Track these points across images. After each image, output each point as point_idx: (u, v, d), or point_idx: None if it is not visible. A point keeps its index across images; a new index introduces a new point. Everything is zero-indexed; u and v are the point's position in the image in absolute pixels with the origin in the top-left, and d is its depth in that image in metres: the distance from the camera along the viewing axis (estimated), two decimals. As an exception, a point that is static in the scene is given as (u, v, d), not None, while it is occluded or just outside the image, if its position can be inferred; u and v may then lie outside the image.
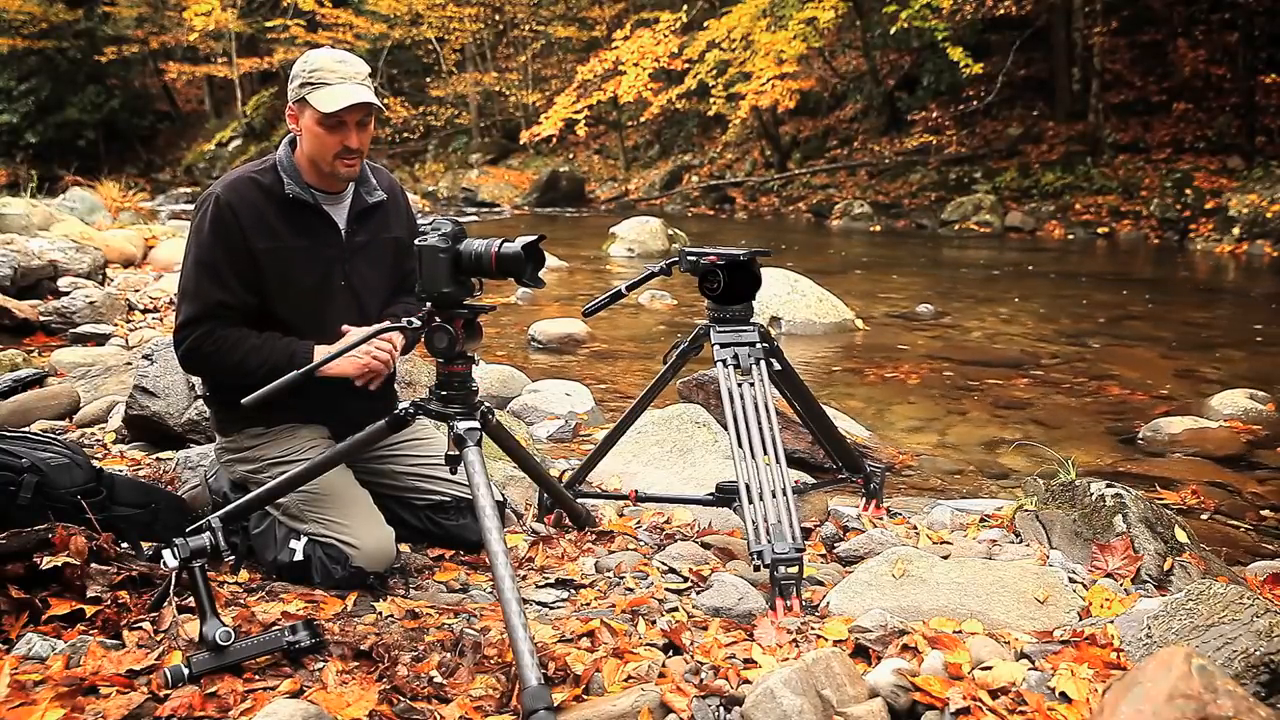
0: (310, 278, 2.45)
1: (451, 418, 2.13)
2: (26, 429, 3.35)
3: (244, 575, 2.42)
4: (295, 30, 26.42)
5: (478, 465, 2.03)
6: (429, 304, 2.13)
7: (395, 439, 2.44)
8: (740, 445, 2.52)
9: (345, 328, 2.38)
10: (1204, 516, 3.47)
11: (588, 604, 2.35)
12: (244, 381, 2.28)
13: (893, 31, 16.62)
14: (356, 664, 1.92)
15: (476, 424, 2.13)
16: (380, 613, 2.22)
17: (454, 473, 2.16)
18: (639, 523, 3.02)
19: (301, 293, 2.44)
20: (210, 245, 2.36)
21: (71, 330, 5.52)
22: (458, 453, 2.09)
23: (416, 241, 2.12)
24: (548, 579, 2.50)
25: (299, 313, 2.44)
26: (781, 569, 2.31)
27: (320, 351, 2.33)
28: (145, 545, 2.38)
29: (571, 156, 25.40)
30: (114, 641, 1.92)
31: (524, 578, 2.52)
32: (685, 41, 18.95)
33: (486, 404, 2.26)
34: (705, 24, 18.80)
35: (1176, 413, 4.69)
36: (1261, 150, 14.18)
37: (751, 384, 2.60)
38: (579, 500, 2.91)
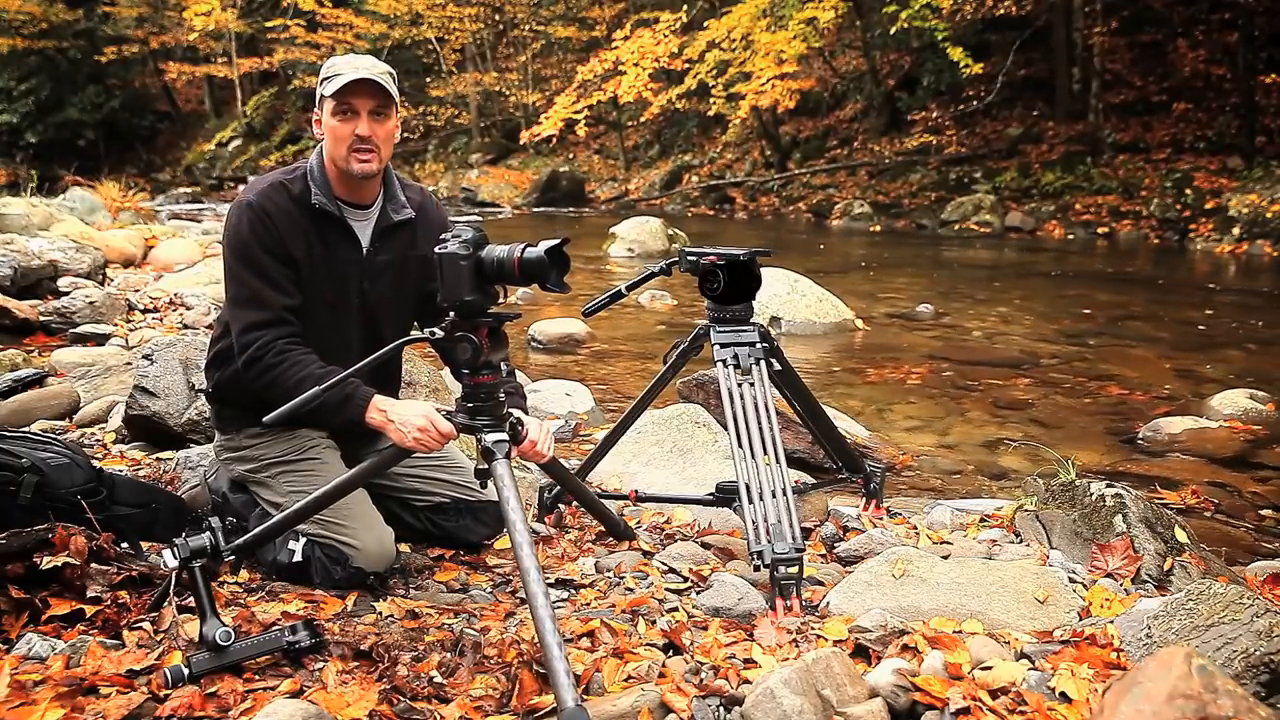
0: (327, 292, 2.41)
1: (479, 430, 2.07)
2: (26, 429, 3.34)
3: (244, 575, 2.42)
4: (295, 30, 26.46)
5: (507, 479, 1.96)
6: (451, 314, 2.06)
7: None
8: (740, 445, 2.52)
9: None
10: (1204, 516, 3.47)
11: (588, 604, 2.35)
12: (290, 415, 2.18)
13: (893, 31, 16.64)
14: (356, 664, 1.92)
15: (505, 436, 2.06)
16: (380, 613, 2.22)
17: (484, 487, 2.10)
18: (639, 523, 3.02)
19: (317, 306, 2.41)
20: (254, 251, 2.32)
21: (71, 330, 5.52)
22: (486, 466, 2.03)
23: (436, 249, 2.03)
24: (548, 579, 2.50)
25: (311, 327, 2.39)
26: (781, 569, 2.31)
27: (378, 403, 2.23)
28: (145, 545, 2.38)
29: (571, 156, 25.41)
30: (114, 641, 1.92)
31: (524, 578, 2.52)
32: (685, 41, 18.97)
33: (515, 416, 2.19)
34: (705, 24, 18.82)
35: (1176, 413, 4.69)
36: (1261, 150, 14.19)
37: (751, 384, 2.60)
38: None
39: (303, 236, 2.36)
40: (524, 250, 1.98)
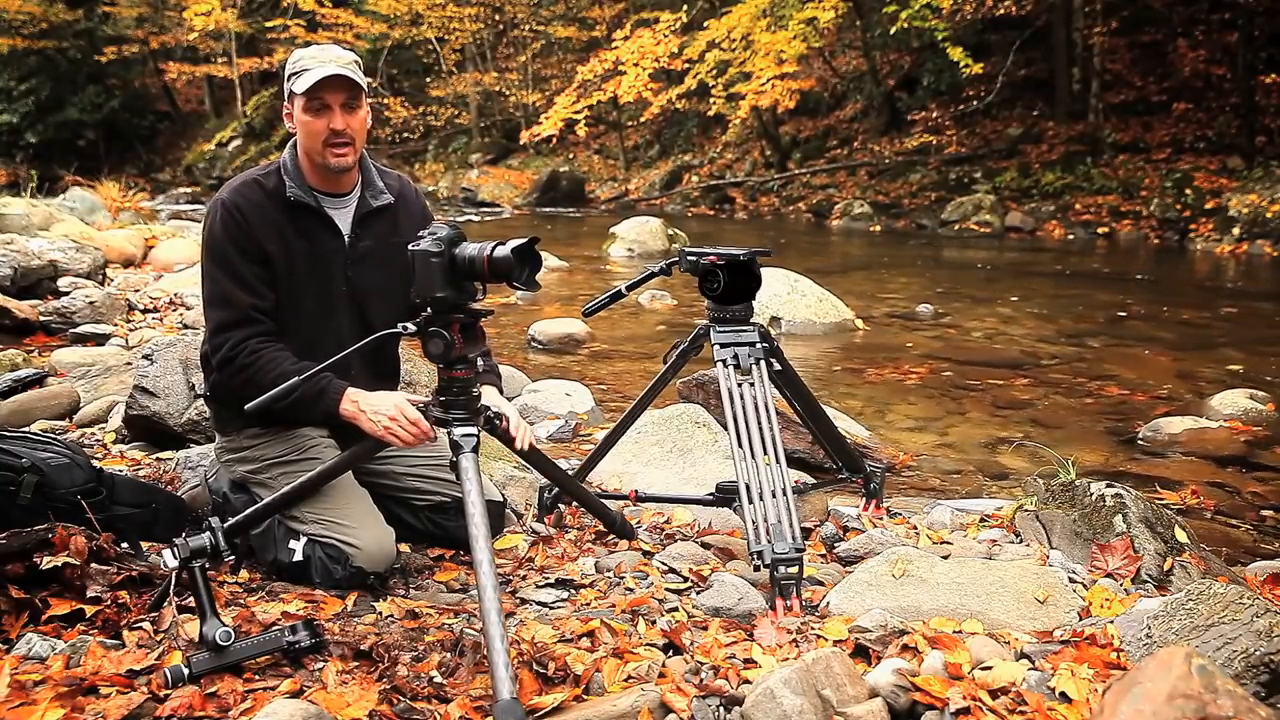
0: (312, 283, 2.42)
1: (450, 424, 2.12)
2: (26, 429, 3.34)
3: (244, 575, 2.42)
4: (295, 30, 26.45)
5: (471, 473, 2.03)
6: (426, 309, 2.10)
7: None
8: (740, 445, 2.52)
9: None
10: (1204, 516, 3.47)
11: (588, 604, 2.35)
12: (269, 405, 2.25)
13: (893, 31, 16.63)
14: (356, 664, 1.92)
15: (473, 430, 2.11)
16: (380, 613, 2.22)
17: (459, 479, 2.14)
18: (639, 523, 3.02)
19: (302, 298, 2.42)
20: (226, 250, 2.35)
21: (71, 330, 5.52)
22: (454, 459, 2.08)
23: (410, 246, 2.08)
24: (548, 579, 2.50)
25: (299, 319, 2.41)
26: (781, 569, 2.31)
27: (350, 394, 2.29)
28: (145, 545, 2.38)
29: (571, 156, 25.40)
30: (114, 641, 1.92)
31: (524, 578, 2.52)
32: (685, 41, 18.97)
33: (493, 409, 2.26)
34: (705, 24, 18.82)
35: (1176, 413, 4.68)
36: (1261, 150, 14.19)
37: (751, 384, 2.60)
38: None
39: (277, 230, 2.37)
40: (493, 249, 2.03)
